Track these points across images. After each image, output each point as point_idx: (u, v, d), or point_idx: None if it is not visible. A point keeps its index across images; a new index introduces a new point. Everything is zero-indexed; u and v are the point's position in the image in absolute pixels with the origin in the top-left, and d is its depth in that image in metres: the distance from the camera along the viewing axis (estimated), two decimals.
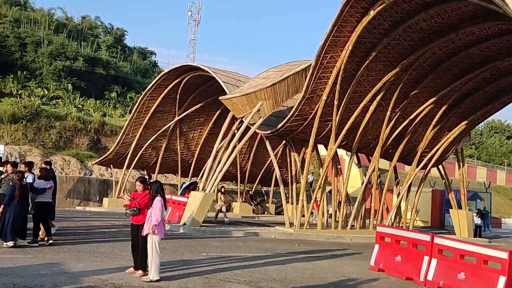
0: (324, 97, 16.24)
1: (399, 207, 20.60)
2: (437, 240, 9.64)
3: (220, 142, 18.51)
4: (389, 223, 19.57)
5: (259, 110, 16.54)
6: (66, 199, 24.76)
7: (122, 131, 24.65)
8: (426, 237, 9.89)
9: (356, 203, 18.79)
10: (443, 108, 18.64)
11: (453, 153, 22.08)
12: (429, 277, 9.33)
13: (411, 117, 18.65)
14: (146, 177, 17.56)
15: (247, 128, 17.49)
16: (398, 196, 20.93)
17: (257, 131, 17.94)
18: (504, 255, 8.17)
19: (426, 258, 9.62)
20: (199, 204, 15.54)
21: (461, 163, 21.72)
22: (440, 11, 13.68)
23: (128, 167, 24.73)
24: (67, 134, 28.99)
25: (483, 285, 8.31)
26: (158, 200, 7.40)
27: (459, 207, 21.76)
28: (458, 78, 17.30)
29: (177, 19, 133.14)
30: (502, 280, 8.05)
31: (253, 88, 16.82)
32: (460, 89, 17.96)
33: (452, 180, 24.50)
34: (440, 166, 21.99)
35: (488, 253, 8.56)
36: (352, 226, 18.70)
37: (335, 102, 16.36)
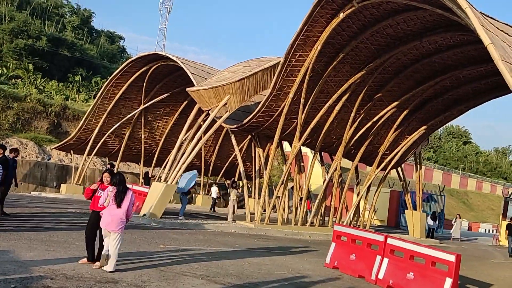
0: (291, 95, 16.42)
1: (358, 206, 21.16)
2: (389, 240, 9.98)
3: (185, 134, 18.35)
4: (347, 222, 20.08)
5: (226, 104, 16.52)
6: (21, 183, 23.90)
7: (85, 116, 24.02)
8: (380, 238, 10.20)
9: (317, 200, 19.13)
10: (405, 112, 19.23)
11: (412, 156, 22.82)
12: (380, 276, 9.64)
13: (374, 119, 19.14)
14: (108, 166, 17.10)
15: (213, 121, 17.43)
16: (358, 195, 21.48)
17: (223, 124, 17.92)
18: (452, 258, 8.54)
19: (378, 257, 9.92)
20: (160, 195, 15.39)
21: (418, 166, 22.49)
22: (406, 19, 14.07)
23: (89, 154, 24.14)
24: (25, 116, 27.93)
25: (430, 285, 8.65)
26: (131, 193, 7.51)
27: (414, 208, 22.53)
28: (419, 84, 17.88)
29: (149, 5, 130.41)
30: (448, 282, 8.39)
31: (221, 82, 16.76)
32: (421, 95, 18.57)
33: (409, 182, 25.34)
34: (399, 168, 22.71)
35: (436, 255, 8.92)
36: (312, 223, 19.04)
37: (302, 101, 16.56)
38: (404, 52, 16.20)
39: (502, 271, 14.56)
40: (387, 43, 15.71)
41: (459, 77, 17.62)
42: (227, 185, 30.21)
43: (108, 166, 22.24)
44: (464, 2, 8.65)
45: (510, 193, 28.80)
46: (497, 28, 9.69)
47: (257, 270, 9.25)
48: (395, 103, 18.63)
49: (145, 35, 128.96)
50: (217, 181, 28.74)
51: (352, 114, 18.21)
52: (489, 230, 39.55)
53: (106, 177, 7.68)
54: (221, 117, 17.05)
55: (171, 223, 15.11)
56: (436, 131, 78.69)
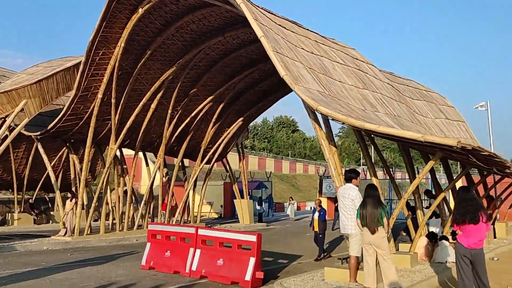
0: (99, 95, 15.50)
1: (187, 202, 21.28)
2: (201, 231, 10.19)
3: None
4: (177, 218, 20.03)
5: (23, 109, 14.74)
6: None
7: None
8: (191, 230, 10.34)
9: (143, 202, 18.60)
10: (221, 105, 19.96)
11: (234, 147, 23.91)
12: (194, 268, 9.76)
13: (193, 114, 19.39)
14: None
15: (13, 129, 15.43)
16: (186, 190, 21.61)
17: (24, 132, 16.01)
18: (253, 238, 9.10)
19: (191, 250, 10.03)
20: None
21: (241, 156, 23.70)
22: (206, 15, 14.48)
23: None
24: None
25: (237, 266, 9.10)
26: None
27: (242, 196, 23.69)
28: (231, 78, 18.74)
29: None
30: (252, 260, 8.93)
31: (16, 85, 14.91)
32: (234, 88, 19.51)
33: (240, 172, 26.52)
34: (224, 160, 23.56)
35: (241, 238, 9.42)
36: (140, 225, 18.45)
37: (113, 101, 15.77)
38: (211, 47, 16.70)
39: (312, 243, 16.24)
40: (193, 39, 15.97)
41: (264, 70, 18.98)
42: (48, 199, 27.33)
43: None
44: None
45: (323, 171, 32.57)
46: (275, 22, 10.59)
47: (59, 286, 8.47)
48: (211, 97, 19.18)
49: None
50: (34, 196, 25.66)
51: (169, 111, 18.12)
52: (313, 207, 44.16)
53: None
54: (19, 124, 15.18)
55: None
56: (268, 121, 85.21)
